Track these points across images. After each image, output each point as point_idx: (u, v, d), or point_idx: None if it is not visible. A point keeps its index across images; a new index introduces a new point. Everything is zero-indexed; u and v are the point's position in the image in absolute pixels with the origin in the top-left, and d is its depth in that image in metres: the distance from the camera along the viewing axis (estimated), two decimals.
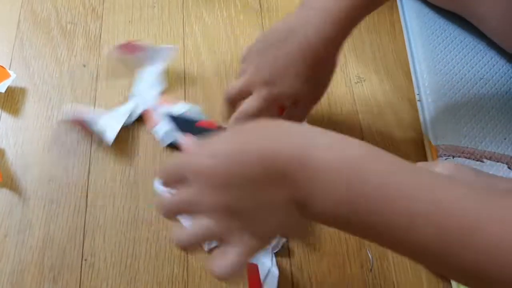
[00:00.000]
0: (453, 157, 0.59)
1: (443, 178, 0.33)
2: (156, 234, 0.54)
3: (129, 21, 0.68)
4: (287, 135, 0.34)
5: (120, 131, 0.57)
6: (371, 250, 0.54)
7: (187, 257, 0.53)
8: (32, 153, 0.58)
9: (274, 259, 0.52)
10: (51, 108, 0.61)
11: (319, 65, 0.50)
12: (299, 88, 0.51)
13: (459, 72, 0.65)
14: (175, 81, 0.64)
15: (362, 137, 0.61)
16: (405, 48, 0.68)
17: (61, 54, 0.65)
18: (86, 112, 0.59)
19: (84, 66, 0.64)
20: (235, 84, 0.53)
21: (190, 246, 0.37)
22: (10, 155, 0.58)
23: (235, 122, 0.52)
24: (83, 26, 0.67)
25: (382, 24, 0.70)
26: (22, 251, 0.53)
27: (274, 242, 0.53)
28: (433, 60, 0.66)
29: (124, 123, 0.58)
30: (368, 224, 0.32)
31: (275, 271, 0.51)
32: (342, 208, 0.32)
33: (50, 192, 0.56)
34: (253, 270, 0.51)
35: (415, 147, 0.61)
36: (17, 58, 0.64)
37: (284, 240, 0.53)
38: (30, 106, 0.61)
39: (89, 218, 0.55)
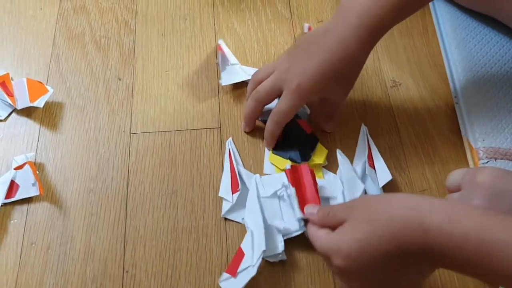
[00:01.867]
0: (495, 159, 0.58)
1: None
2: (196, 244, 0.54)
3: (162, 34, 0.69)
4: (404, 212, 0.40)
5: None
6: None
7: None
8: (71, 166, 0.58)
9: None
10: (88, 121, 0.62)
11: (350, 64, 0.53)
12: (330, 85, 0.53)
13: (496, 73, 0.64)
14: (211, 91, 0.64)
15: (400, 141, 0.60)
16: (440, 51, 0.67)
17: (96, 68, 0.66)
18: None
19: (120, 79, 0.65)
20: (264, 83, 0.55)
21: None
22: (50, 168, 0.58)
23: (272, 124, 0.56)
24: (117, 40, 0.68)
25: (415, 28, 0.70)
26: (65, 263, 0.53)
27: None
28: (469, 62, 0.65)
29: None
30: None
31: None
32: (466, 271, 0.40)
33: (90, 204, 0.56)
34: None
35: (455, 151, 0.60)
36: (54, 73, 0.65)
37: None
38: (68, 120, 0.62)
39: (129, 229, 0.55)
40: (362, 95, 0.64)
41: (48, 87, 0.62)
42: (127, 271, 0.53)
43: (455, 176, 0.51)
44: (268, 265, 0.53)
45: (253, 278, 0.49)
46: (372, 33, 0.52)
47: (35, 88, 0.62)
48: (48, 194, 0.57)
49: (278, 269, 0.53)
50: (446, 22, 0.69)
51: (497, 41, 0.67)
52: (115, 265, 0.53)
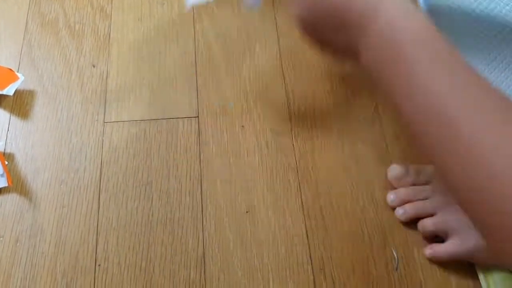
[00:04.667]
0: None
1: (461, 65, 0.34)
2: (171, 236, 0.52)
3: (139, 19, 0.67)
4: None
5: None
6: (396, 249, 0.52)
7: (204, 260, 0.51)
8: (42, 156, 0.56)
9: None
10: (60, 110, 0.59)
11: None
12: None
13: None
14: (189, 78, 0.62)
15: None
16: None
17: (70, 55, 0.64)
18: None
19: (94, 66, 0.63)
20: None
21: None
22: (20, 159, 0.56)
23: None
24: (92, 26, 0.66)
25: None
26: (34, 256, 0.51)
27: None
28: None
29: None
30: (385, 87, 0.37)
31: None
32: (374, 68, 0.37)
33: (62, 196, 0.54)
34: None
35: None
36: (26, 60, 0.63)
37: None
38: (39, 108, 0.60)
39: (102, 221, 0.53)
40: None
41: (19, 74, 0.60)
42: (99, 264, 0.51)
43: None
44: None
45: None
46: None
47: (5, 75, 0.59)
48: (17, 185, 0.55)
49: None
50: None
51: None
52: (87, 258, 0.51)
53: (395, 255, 0.51)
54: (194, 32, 0.66)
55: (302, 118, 0.60)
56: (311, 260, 0.51)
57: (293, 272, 0.51)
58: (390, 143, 0.58)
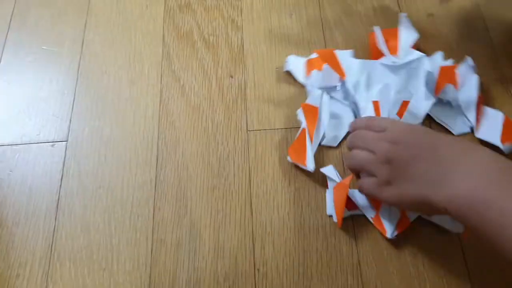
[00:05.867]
0: None
1: None
2: (325, 242, 0.53)
3: (269, 30, 0.69)
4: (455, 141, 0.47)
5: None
6: None
7: (360, 266, 0.52)
8: (193, 164, 0.59)
9: None
10: (205, 119, 0.62)
11: None
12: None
13: None
14: None
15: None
16: None
17: (207, 66, 0.66)
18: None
19: (231, 77, 0.65)
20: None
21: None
22: (172, 165, 0.59)
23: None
24: (225, 38, 0.68)
25: None
26: (196, 259, 0.53)
27: None
28: None
29: None
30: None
31: None
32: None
33: (215, 201, 0.56)
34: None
35: None
36: (167, 71, 0.66)
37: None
38: (184, 117, 0.62)
39: (256, 226, 0.55)
40: None
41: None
42: (258, 269, 0.53)
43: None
44: None
45: None
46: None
47: None
48: (172, 191, 0.57)
49: None
50: None
51: None
52: (246, 263, 0.53)
53: None
54: (325, 41, 0.67)
55: None
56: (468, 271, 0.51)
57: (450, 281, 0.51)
58: None
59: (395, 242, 0.53)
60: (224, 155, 0.59)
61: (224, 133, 0.61)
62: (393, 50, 0.63)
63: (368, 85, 0.61)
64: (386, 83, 0.61)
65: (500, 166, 0.42)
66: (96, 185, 0.58)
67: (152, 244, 0.54)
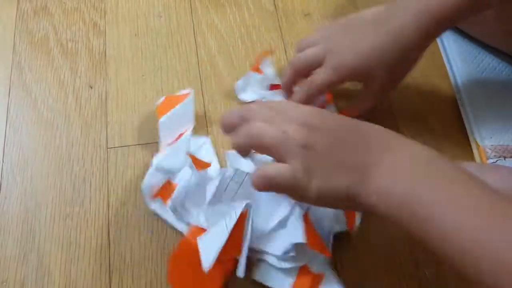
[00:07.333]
0: (505, 158, 0.54)
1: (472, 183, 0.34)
2: None
3: (135, 34, 0.63)
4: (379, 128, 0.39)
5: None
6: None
7: None
8: (43, 189, 0.52)
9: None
10: (58, 137, 0.55)
11: (406, 54, 0.49)
12: (377, 70, 0.49)
13: (498, 65, 0.60)
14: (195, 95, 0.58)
15: None
16: (439, 49, 0.63)
17: (64, 76, 0.59)
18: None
19: (91, 87, 0.58)
20: (306, 51, 0.52)
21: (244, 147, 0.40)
22: (19, 193, 0.52)
23: (302, 95, 0.51)
24: (85, 43, 0.62)
25: None
26: None
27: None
28: (469, 54, 0.61)
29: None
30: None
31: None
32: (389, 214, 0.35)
33: (67, 232, 0.50)
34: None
35: (461, 150, 0.56)
36: (16, 83, 0.58)
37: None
38: (35, 136, 0.55)
39: (114, 257, 0.49)
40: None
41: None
42: None
43: None
44: None
45: None
46: (437, 24, 0.47)
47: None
48: (17, 222, 0.50)
49: None
50: None
51: None
52: None
53: None
54: (196, 45, 0.62)
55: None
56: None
57: None
58: None
59: None
60: (79, 178, 0.53)
61: (81, 152, 0.54)
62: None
63: None
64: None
65: (428, 156, 0.37)
66: None
67: None
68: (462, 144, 0.56)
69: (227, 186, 0.48)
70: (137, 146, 0.55)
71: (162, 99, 0.54)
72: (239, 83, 0.57)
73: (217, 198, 0.48)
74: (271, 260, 0.47)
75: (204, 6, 0.65)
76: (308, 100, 0.52)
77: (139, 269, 0.49)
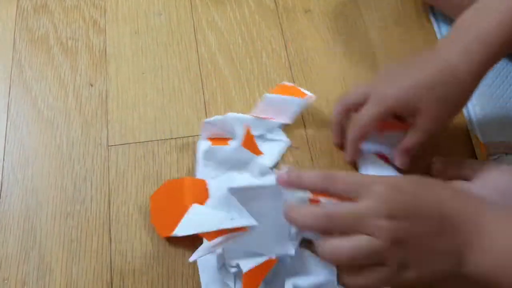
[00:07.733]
0: (506, 154, 0.54)
1: None
2: (191, 268, 0.49)
3: (135, 32, 0.62)
4: (460, 200, 0.39)
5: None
6: None
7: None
8: (44, 188, 0.52)
9: None
10: (59, 136, 0.55)
11: (455, 90, 0.46)
12: (423, 98, 0.47)
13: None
14: (195, 93, 0.58)
15: None
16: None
17: (64, 74, 0.59)
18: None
19: (91, 85, 0.58)
20: (351, 90, 0.52)
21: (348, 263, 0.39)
22: (20, 192, 0.52)
23: (353, 132, 0.50)
24: (85, 41, 0.61)
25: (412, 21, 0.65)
26: None
27: None
28: None
29: None
30: None
31: None
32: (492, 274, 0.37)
33: (68, 230, 0.50)
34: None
35: (463, 146, 0.56)
36: (17, 81, 0.58)
37: None
38: (36, 134, 0.55)
39: (115, 255, 0.49)
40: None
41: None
42: None
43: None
44: None
45: None
46: (487, 53, 0.45)
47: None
48: (19, 221, 0.50)
49: None
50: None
51: None
52: None
53: None
54: (196, 43, 0.62)
55: (316, 125, 0.56)
56: None
57: None
58: None
59: None
60: (80, 176, 0.53)
61: (81, 150, 0.54)
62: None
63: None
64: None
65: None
66: None
67: None
68: (463, 140, 0.56)
69: (259, 195, 0.45)
70: (137, 144, 0.55)
71: (286, 83, 0.58)
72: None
73: (241, 191, 0.44)
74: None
75: (204, 4, 0.65)
76: (361, 136, 0.51)
77: (140, 267, 0.49)
